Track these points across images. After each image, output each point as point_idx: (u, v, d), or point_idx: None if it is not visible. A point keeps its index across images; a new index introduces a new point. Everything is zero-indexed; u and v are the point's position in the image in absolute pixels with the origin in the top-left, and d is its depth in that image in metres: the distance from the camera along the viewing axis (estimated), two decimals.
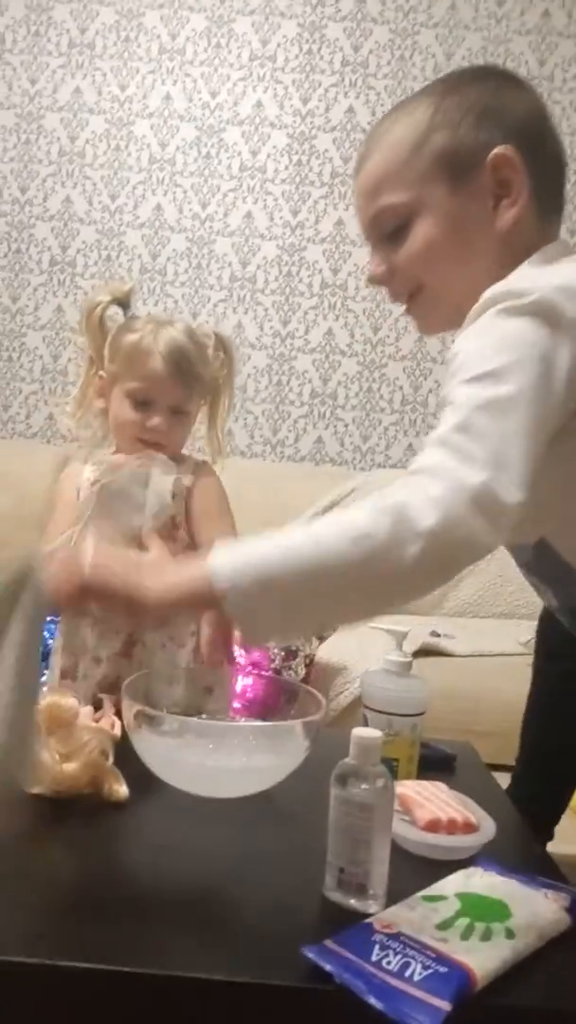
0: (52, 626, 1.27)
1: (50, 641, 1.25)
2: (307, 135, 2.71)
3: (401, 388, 2.73)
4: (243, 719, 1.18)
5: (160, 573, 0.72)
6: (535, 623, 2.14)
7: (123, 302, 1.24)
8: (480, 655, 2.00)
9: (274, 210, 2.71)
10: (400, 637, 1.02)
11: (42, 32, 2.71)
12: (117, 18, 2.69)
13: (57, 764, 0.86)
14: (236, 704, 1.34)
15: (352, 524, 0.67)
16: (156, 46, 2.70)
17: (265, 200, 2.71)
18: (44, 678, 1.51)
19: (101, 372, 1.22)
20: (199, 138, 2.71)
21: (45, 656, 1.45)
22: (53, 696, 0.90)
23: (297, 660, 1.80)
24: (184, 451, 1.29)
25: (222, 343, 1.25)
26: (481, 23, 2.66)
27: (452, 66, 2.66)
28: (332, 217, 2.71)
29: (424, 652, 1.93)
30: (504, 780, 1.15)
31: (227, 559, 0.69)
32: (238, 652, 1.84)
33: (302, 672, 1.80)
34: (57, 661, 1.23)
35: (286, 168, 2.71)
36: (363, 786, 0.72)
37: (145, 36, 2.70)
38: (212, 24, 2.69)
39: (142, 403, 1.19)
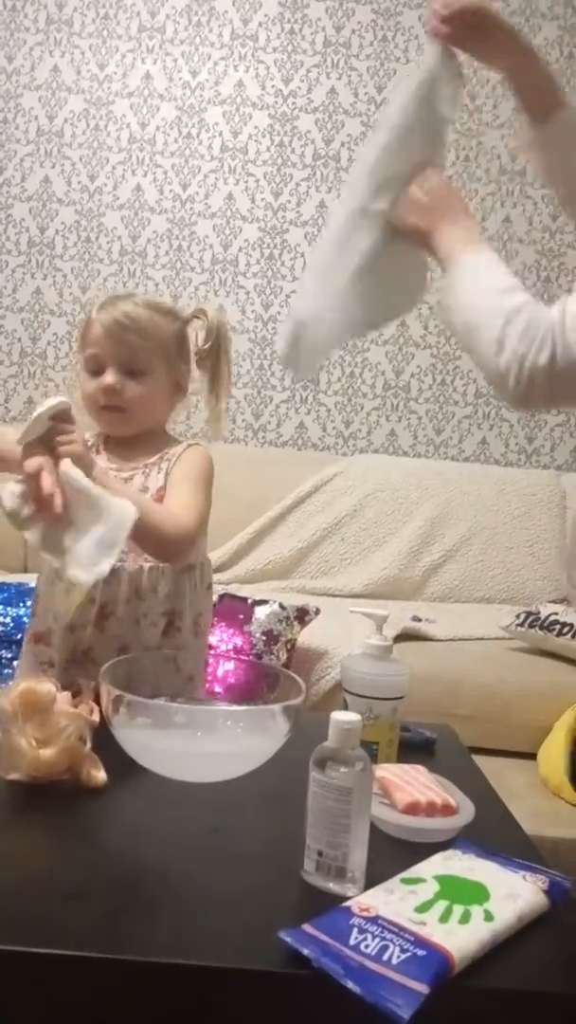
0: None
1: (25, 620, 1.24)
2: (289, 116, 2.68)
3: (383, 373, 2.72)
4: (223, 703, 1.18)
5: None
6: (516, 608, 2.15)
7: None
8: (461, 639, 2.01)
9: (256, 192, 2.68)
10: (380, 621, 1.02)
11: (19, 8, 2.66)
12: None
13: (34, 750, 0.85)
14: (218, 689, 1.34)
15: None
16: (136, 24, 2.66)
17: (247, 181, 2.68)
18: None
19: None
20: (179, 118, 2.68)
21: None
22: (29, 682, 0.89)
23: (278, 645, 1.80)
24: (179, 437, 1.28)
25: (206, 316, 1.25)
26: None
27: None
28: (314, 199, 2.68)
29: (406, 636, 1.94)
30: (485, 763, 1.15)
31: None
32: (218, 637, 1.84)
33: (284, 657, 1.80)
34: (31, 624, 1.23)
35: (268, 149, 2.68)
36: (342, 769, 0.71)
37: (124, 14, 2.65)
38: (193, 2, 2.65)
39: (95, 370, 1.20)
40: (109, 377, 1.18)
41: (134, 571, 1.18)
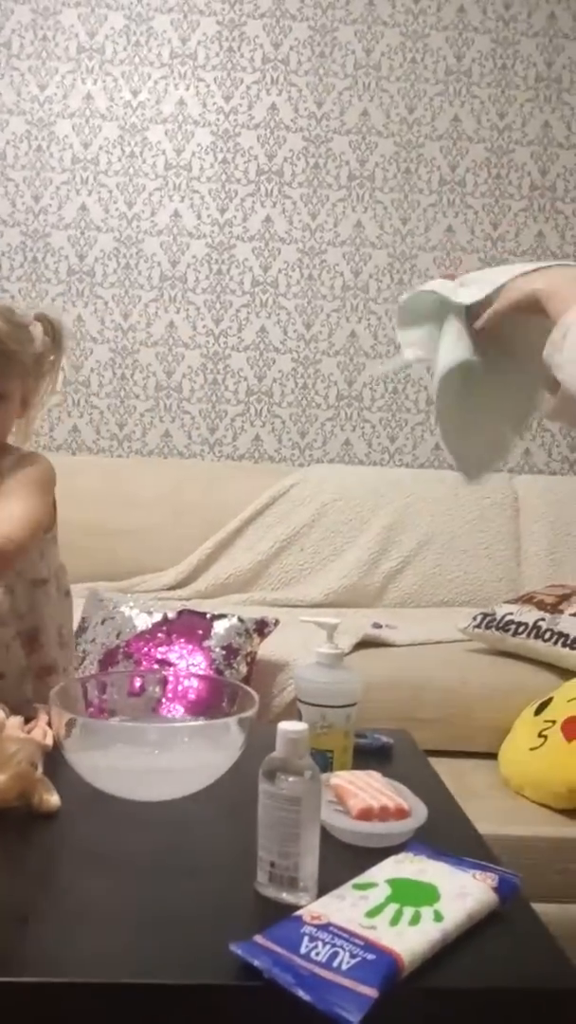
0: None
1: None
2: (231, 132, 2.70)
3: (336, 383, 2.75)
4: (178, 720, 1.17)
5: None
6: (474, 610, 2.18)
7: None
8: (422, 643, 2.03)
9: (201, 208, 2.70)
10: (331, 629, 1.03)
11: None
12: (33, 16, 2.64)
13: None
14: (179, 707, 1.33)
15: None
16: (74, 45, 2.66)
17: (192, 198, 2.70)
18: None
19: None
20: (122, 137, 2.69)
21: None
22: None
23: (238, 658, 1.80)
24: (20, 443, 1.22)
25: (50, 324, 1.20)
26: (399, 19, 2.69)
27: (373, 61, 2.69)
28: (260, 214, 2.71)
29: (366, 643, 1.95)
30: (444, 766, 1.17)
31: None
32: (178, 653, 1.83)
33: (244, 670, 1.80)
34: None
35: (211, 166, 2.70)
36: (290, 779, 0.72)
37: (63, 35, 2.66)
38: (131, 22, 2.66)
39: None
40: None
41: None
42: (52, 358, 1.20)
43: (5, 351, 1.13)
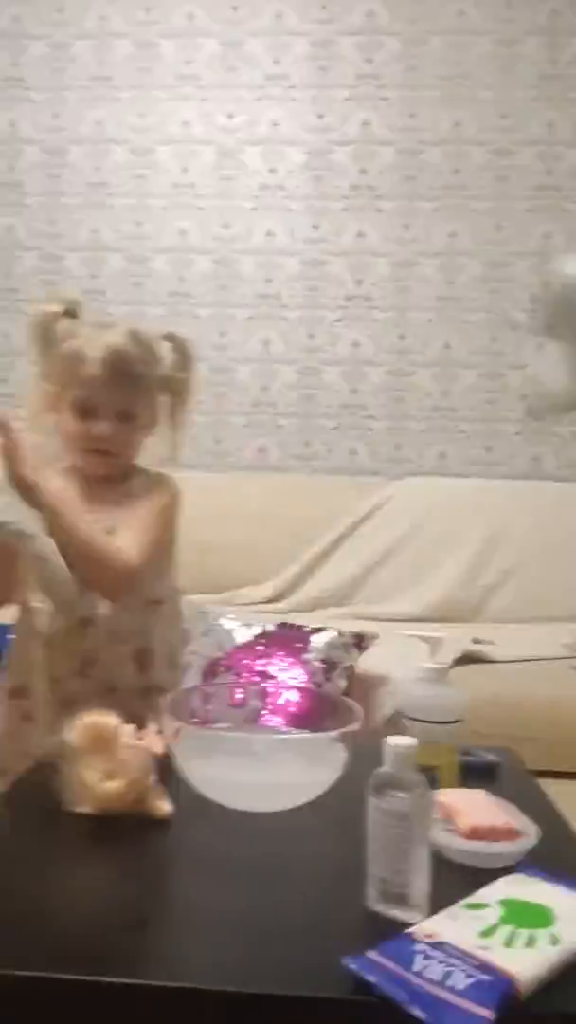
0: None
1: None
2: (324, 150, 2.73)
3: (430, 395, 2.72)
4: (281, 733, 1.19)
5: None
6: None
7: (71, 311, 1.20)
8: (524, 660, 1.98)
9: (295, 225, 2.74)
10: (435, 644, 1.02)
11: (63, 61, 2.78)
12: (134, 49, 2.75)
13: (100, 783, 0.88)
14: (279, 719, 1.35)
15: None
16: (172, 73, 2.75)
17: (285, 216, 2.74)
18: None
19: (48, 386, 1.18)
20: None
21: None
22: (94, 716, 0.92)
23: (337, 672, 1.80)
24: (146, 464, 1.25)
25: (178, 343, 1.21)
26: (490, 27, 2.66)
27: (464, 71, 2.67)
28: (352, 229, 2.72)
29: (467, 659, 1.92)
30: (554, 786, 1.13)
31: None
32: (277, 667, 1.85)
33: (343, 684, 1.80)
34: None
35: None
36: (399, 795, 0.72)
37: (161, 64, 2.75)
38: (226, 48, 2.73)
39: (85, 411, 1.15)
40: (103, 426, 1.14)
41: (109, 615, 1.16)
42: (184, 376, 1.21)
43: (131, 372, 1.15)
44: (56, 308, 1.19)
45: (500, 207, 2.68)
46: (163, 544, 1.19)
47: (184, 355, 1.21)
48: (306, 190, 2.73)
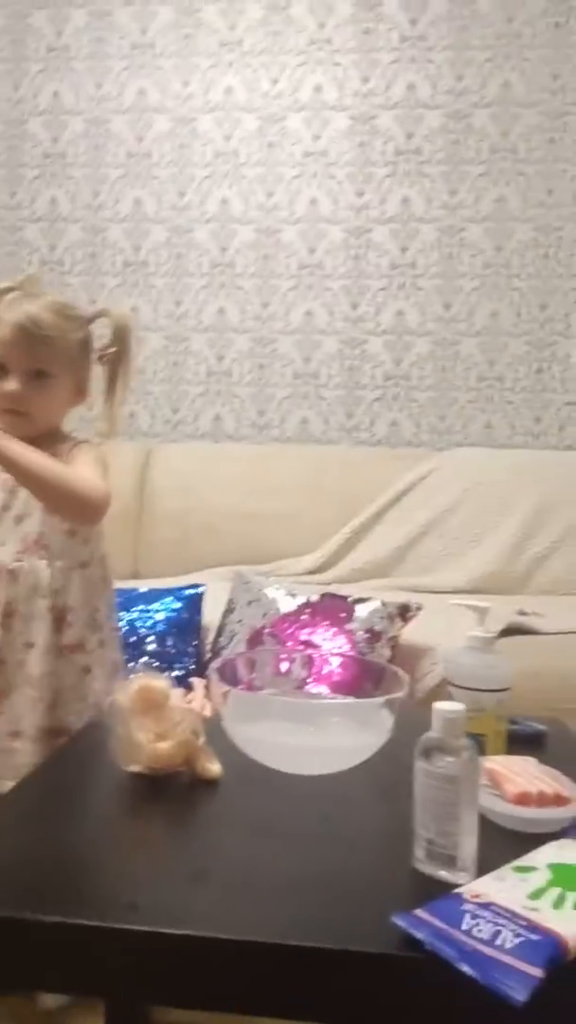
0: None
1: None
2: (368, 115, 2.68)
3: (476, 365, 2.68)
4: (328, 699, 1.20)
5: None
6: None
7: (16, 288, 1.26)
8: (569, 632, 1.96)
9: (339, 193, 2.70)
10: (483, 613, 1.02)
11: (105, 36, 2.77)
12: (176, 15, 2.72)
13: (152, 743, 0.90)
14: (324, 687, 1.36)
15: None
16: (216, 40, 2.72)
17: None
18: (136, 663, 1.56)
19: None
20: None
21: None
22: (145, 679, 0.94)
23: (381, 642, 1.80)
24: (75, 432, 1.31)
25: (112, 317, 1.28)
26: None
27: (514, 30, 2.59)
28: (397, 195, 2.68)
29: (512, 631, 1.90)
30: None
31: None
32: (321, 636, 1.86)
33: (387, 654, 1.81)
34: None
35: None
36: (448, 759, 0.72)
37: (204, 31, 2.72)
38: (269, 12, 2.69)
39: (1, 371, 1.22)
40: (13, 384, 1.21)
41: (31, 569, 1.23)
42: (116, 350, 1.28)
43: (42, 336, 1.21)
44: (4, 285, 1.27)
45: (550, 170, 2.62)
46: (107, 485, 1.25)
47: (116, 329, 1.28)
48: (350, 156, 2.69)
